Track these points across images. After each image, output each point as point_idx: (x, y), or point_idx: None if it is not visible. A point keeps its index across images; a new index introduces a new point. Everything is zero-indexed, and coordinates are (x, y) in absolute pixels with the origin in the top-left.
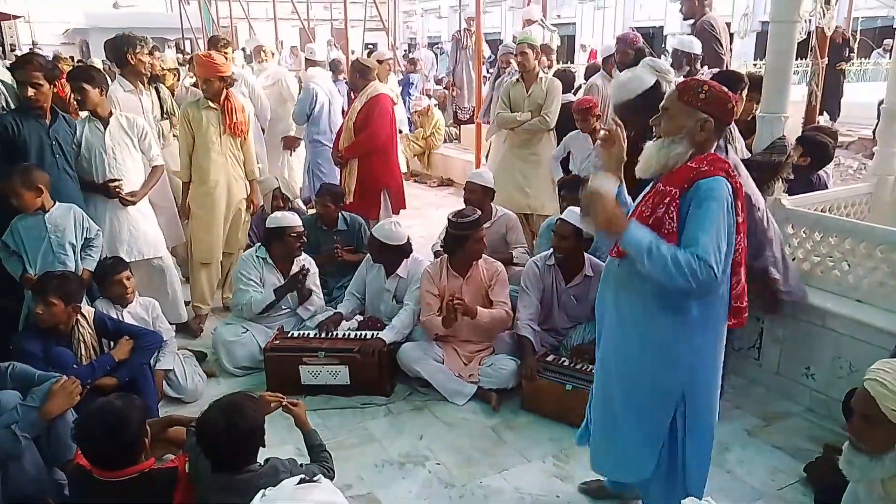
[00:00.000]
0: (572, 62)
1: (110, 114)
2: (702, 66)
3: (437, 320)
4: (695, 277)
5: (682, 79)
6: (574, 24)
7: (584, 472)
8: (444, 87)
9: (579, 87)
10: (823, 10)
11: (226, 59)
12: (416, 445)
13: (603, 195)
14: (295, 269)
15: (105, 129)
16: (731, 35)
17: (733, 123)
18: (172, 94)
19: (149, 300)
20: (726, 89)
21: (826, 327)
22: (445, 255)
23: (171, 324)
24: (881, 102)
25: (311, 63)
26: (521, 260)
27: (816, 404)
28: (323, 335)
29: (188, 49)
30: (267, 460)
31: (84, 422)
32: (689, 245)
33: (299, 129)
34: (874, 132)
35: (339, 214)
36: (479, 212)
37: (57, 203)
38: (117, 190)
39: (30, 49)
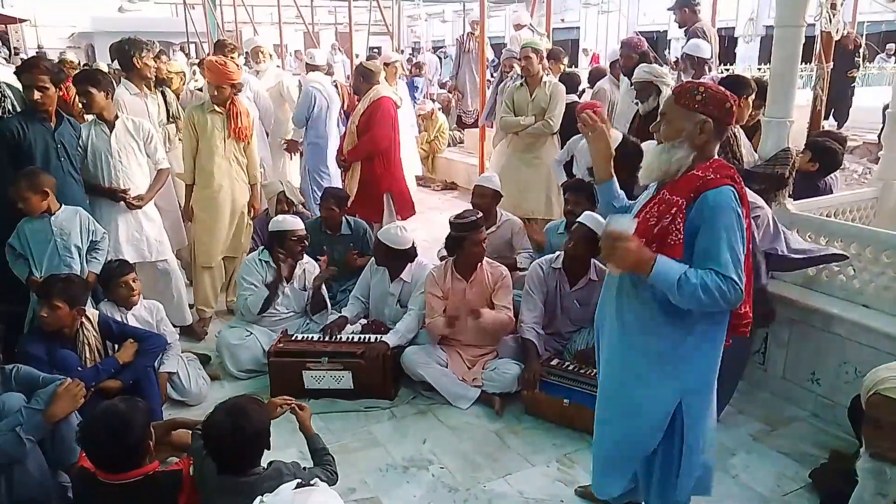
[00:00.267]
0: (576, 66)
1: (116, 117)
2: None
3: (440, 321)
4: (725, 298)
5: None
6: (578, 28)
7: (587, 476)
8: (448, 91)
9: (583, 90)
10: (829, 15)
11: (237, 66)
12: (419, 449)
13: (625, 237)
14: (298, 272)
15: (111, 132)
16: (736, 39)
17: (739, 129)
18: (177, 98)
19: (153, 303)
20: (724, 90)
21: (832, 332)
22: (450, 259)
23: (175, 327)
24: (886, 107)
25: (311, 67)
26: (526, 265)
27: (822, 410)
28: (327, 339)
29: (193, 53)
30: (271, 463)
31: (89, 424)
32: (710, 263)
33: (297, 132)
34: (879, 136)
35: (343, 218)
36: (480, 213)
37: (63, 206)
38: (123, 194)
39: (36, 53)
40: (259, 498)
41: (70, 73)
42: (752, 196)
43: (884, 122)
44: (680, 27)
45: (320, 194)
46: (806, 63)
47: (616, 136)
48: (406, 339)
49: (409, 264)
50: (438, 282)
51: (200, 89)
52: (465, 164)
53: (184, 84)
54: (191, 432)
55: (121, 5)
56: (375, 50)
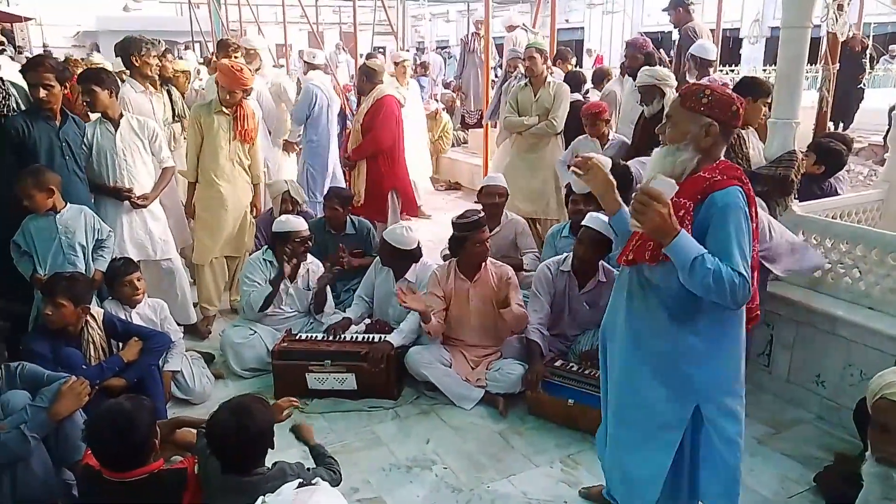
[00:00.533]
0: (580, 67)
1: (121, 116)
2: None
3: (434, 326)
4: (733, 292)
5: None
6: (582, 28)
7: (591, 477)
8: (453, 91)
9: (588, 90)
10: (836, 16)
11: (251, 72)
12: (423, 449)
13: (659, 197)
14: (302, 272)
15: (116, 131)
16: (741, 40)
17: (751, 130)
18: (183, 97)
19: (157, 301)
20: (730, 92)
21: (836, 334)
22: (454, 259)
23: (179, 325)
24: (892, 108)
25: (310, 67)
26: (532, 266)
27: (827, 412)
28: (331, 338)
29: (197, 52)
30: (275, 464)
31: (95, 422)
32: (722, 259)
33: (293, 132)
34: (885, 138)
35: (348, 218)
36: (482, 213)
37: (69, 205)
38: (127, 194)
39: (42, 51)
40: (261, 498)
41: (75, 71)
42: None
43: (890, 124)
44: (675, 27)
45: (313, 193)
46: (812, 64)
47: (606, 161)
48: (410, 339)
49: (414, 264)
50: (441, 282)
51: (203, 88)
52: (469, 165)
53: (189, 83)
54: (195, 431)
55: (126, 4)
56: (380, 49)
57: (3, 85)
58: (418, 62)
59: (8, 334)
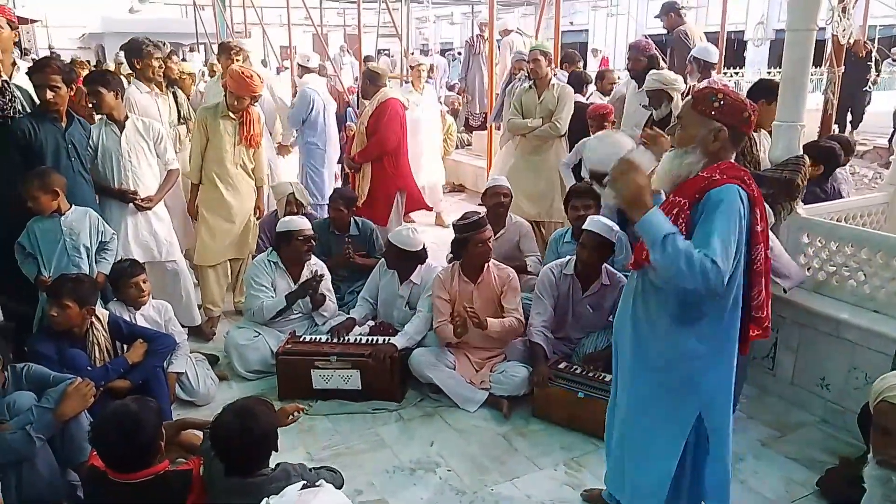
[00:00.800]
0: (585, 68)
1: (126, 118)
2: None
3: (449, 329)
4: (705, 278)
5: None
6: (586, 30)
7: (595, 480)
8: (458, 93)
9: (591, 93)
10: (840, 19)
11: (260, 80)
12: (427, 452)
13: (638, 168)
14: (306, 273)
15: (121, 132)
16: (745, 43)
17: (763, 133)
18: (188, 99)
19: (162, 303)
20: (743, 98)
21: (841, 337)
22: (457, 261)
23: (183, 327)
24: None
25: (305, 70)
26: (535, 269)
27: (831, 415)
28: (335, 340)
29: (203, 54)
30: (278, 465)
31: (101, 424)
32: (700, 247)
33: (286, 135)
34: (890, 141)
35: (352, 219)
36: (482, 214)
37: (73, 206)
38: (132, 196)
39: (49, 53)
40: (266, 500)
41: (80, 73)
42: None
43: (894, 127)
44: (668, 32)
45: (315, 195)
46: (817, 67)
47: (648, 162)
48: (414, 341)
49: (420, 266)
50: (445, 284)
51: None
52: (473, 167)
53: (194, 85)
54: (200, 433)
55: (131, 6)
56: (386, 52)
57: (9, 88)
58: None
59: (14, 335)
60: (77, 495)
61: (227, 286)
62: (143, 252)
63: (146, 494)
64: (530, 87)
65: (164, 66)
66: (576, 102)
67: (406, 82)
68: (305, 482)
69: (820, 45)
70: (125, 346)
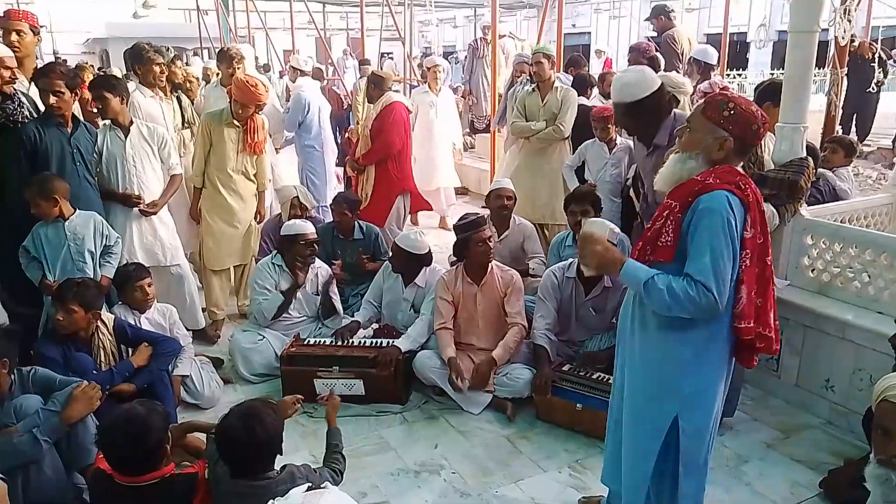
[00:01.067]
0: (589, 70)
1: (131, 122)
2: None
3: (448, 336)
4: (693, 304)
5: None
6: (589, 33)
7: (599, 484)
8: (462, 96)
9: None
10: (842, 20)
11: (266, 88)
12: (431, 454)
13: (595, 239)
14: (310, 275)
15: (126, 137)
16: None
17: (770, 133)
18: (192, 103)
19: (166, 306)
20: (755, 109)
21: (846, 339)
22: (461, 263)
23: (188, 330)
24: None
25: (299, 73)
26: (538, 271)
27: (836, 417)
28: (339, 343)
29: (206, 58)
30: (283, 467)
31: (108, 427)
32: (688, 267)
33: (276, 137)
34: (894, 142)
35: (356, 223)
36: (480, 214)
37: (77, 211)
38: (136, 200)
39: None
40: (270, 502)
41: (86, 78)
42: None
43: None
44: (658, 34)
45: (315, 198)
46: (820, 68)
47: (602, 229)
48: (418, 343)
49: (425, 269)
50: (449, 286)
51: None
52: (477, 170)
53: (199, 89)
54: (205, 436)
55: (135, 11)
56: (390, 55)
57: (17, 94)
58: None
59: (20, 339)
60: (83, 498)
61: (230, 289)
62: (148, 256)
63: (152, 497)
64: (533, 89)
65: (166, 70)
66: (579, 105)
67: (413, 86)
68: (311, 484)
69: (823, 45)
70: (130, 350)
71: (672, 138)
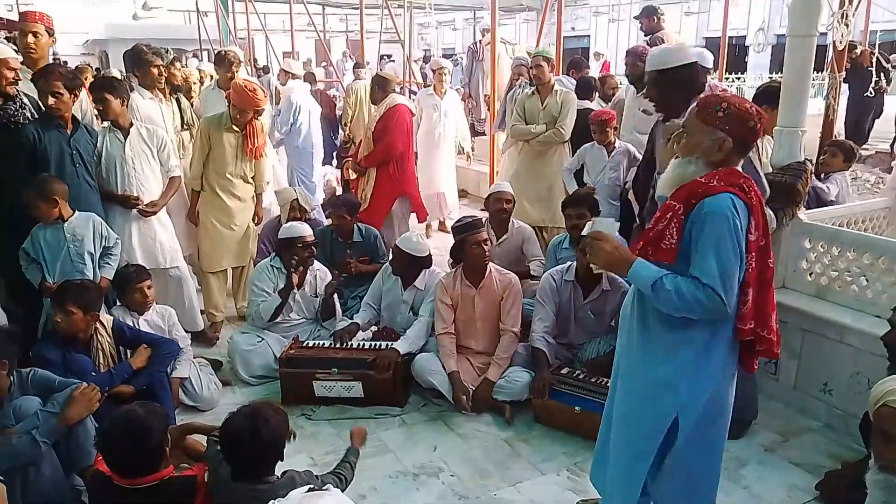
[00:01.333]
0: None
1: (131, 124)
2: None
3: (449, 343)
4: (700, 306)
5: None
6: (588, 36)
7: None
8: (461, 99)
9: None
10: (840, 24)
11: (264, 93)
12: (430, 457)
13: (604, 238)
14: (309, 278)
15: (125, 139)
16: (747, 48)
17: (768, 136)
18: (192, 105)
19: (165, 308)
20: (749, 106)
21: (844, 342)
22: (459, 266)
23: (186, 332)
24: None
25: (289, 76)
26: (538, 273)
27: (834, 420)
28: (338, 345)
29: (205, 60)
30: (284, 472)
31: (108, 429)
32: (695, 271)
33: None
34: (892, 146)
35: (355, 226)
36: (476, 216)
37: (76, 212)
38: (135, 201)
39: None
40: (271, 502)
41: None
42: None
43: None
44: (645, 35)
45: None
46: (818, 72)
47: (610, 227)
48: (417, 346)
49: (424, 271)
50: (448, 289)
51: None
52: (476, 172)
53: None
54: (205, 439)
55: (135, 12)
56: (392, 58)
57: (19, 95)
58: (423, 69)
59: (20, 340)
60: (82, 500)
61: (227, 290)
62: (147, 258)
63: (151, 499)
64: (533, 93)
65: (165, 72)
66: (578, 108)
67: (413, 91)
68: (312, 486)
69: (821, 49)
70: (129, 352)
71: None
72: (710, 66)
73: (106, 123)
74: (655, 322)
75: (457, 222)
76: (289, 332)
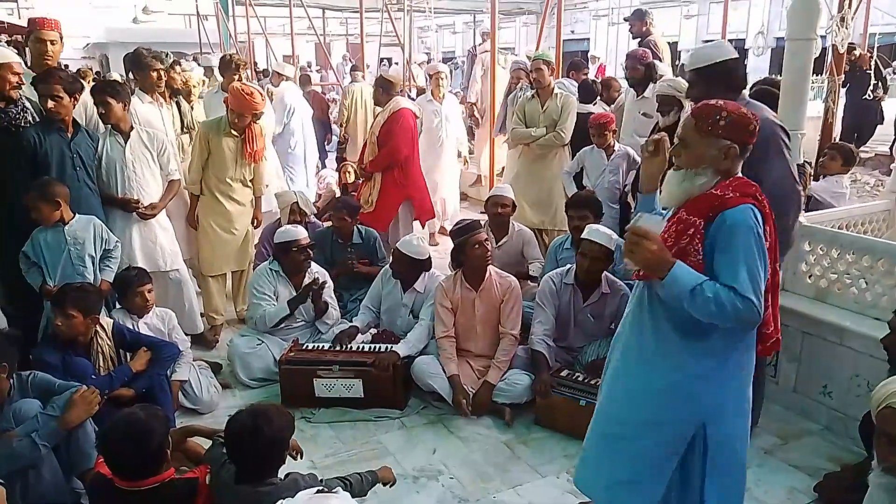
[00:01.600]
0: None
1: (131, 128)
2: None
3: (450, 346)
4: (739, 316)
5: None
6: (588, 39)
7: None
8: (461, 102)
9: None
10: (839, 28)
11: (262, 97)
12: (429, 459)
13: (648, 233)
14: (307, 281)
15: (126, 143)
16: (746, 51)
17: None
18: (192, 109)
19: (165, 311)
20: (746, 111)
21: (843, 345)
22: (459, 269)
23: (186, 335)
24: None
25: (281, 78)
26: (537, 274)
27: (834, 423)
28: (338, 348)
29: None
30: (288, 475)
31: (110, 432)
32: (727, 281)
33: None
34: (892, 148)
35: (355, 228)
36: (475, 219)
37: (77, 216)
38: (135, 205)
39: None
40: (280, 502)
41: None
42: None
43: None
44: (634, 37)
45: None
46: (818, 75)
47: (656, 225)
48: (416, 349)
49: (424, 274)
50: (448, 293)
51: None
52: (475, 175)
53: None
54: (204, 442)
55: (135, 16)
56: (387, 61)
57: (21, 99)
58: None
59: (20, 343)
60: (81, 503)
61: (227, 293)
62: (148, 261)
63: (152, 501)
64: (533, 96)
65: (164, 76)
66: (579, 112)
67: (412, 97)
68: (321, 487)
69: (820, 52)
70: (129, 355)
71: None
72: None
73: (106, 127)
74: (671, 331)
75: (455, 226)
76: (288, 335)
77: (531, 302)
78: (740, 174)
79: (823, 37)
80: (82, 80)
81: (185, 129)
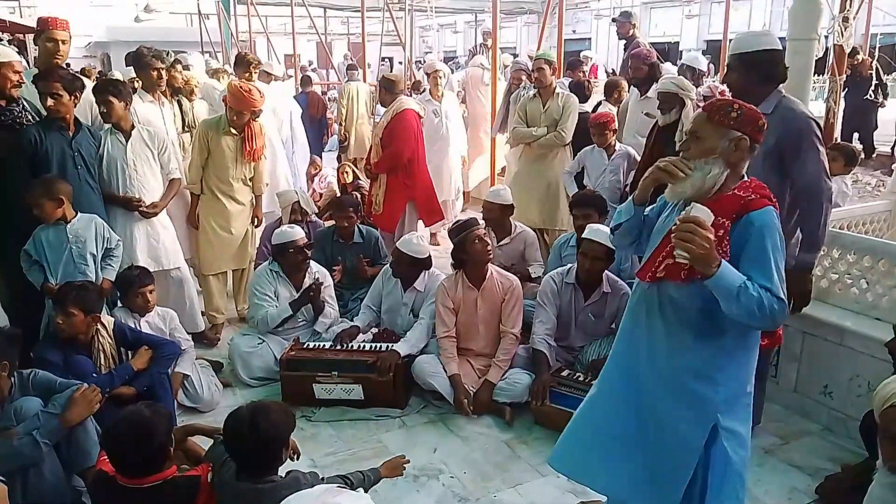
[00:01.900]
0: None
1: (132, 127)
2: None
3: (451, 346)
4: (773, 318)
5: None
6: (589, 39)
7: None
8: (461, 102)
9: (598, 103)
10: (841, 28)
11: (260, 94)
12: (430, 458)
13: (704, 224)
14: (307, 280)
15: (127, 141)
16: None
17: None
18: (193, 107)
19: (166, 310)
20: (756, 108)
21: (844, 345)
22: (461, 269)
23: (187, 333)
24: None
25: (273, 77)
26: (537, 275)
27: (834, 423)
28: (338, 347)
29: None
30: (289, 472)
31: (113, 429)
32: (762, 282)
33: None
34: (893, 149)
35: (356, 227)
36: (473, 216)
37: (79, 214)
38: (137, 203)
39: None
40: (287, 499)
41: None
42: None
43: None
44: (620, 38)
45: None
46: (819, 75)
47: (706, 216)
48: (417, 348)
49: (424, 273)
50: (450, 292)
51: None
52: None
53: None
54: (204, 440)
55: (137, 15)
56: (388, 60)
57: (21, 98)
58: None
59: (21, 341)
60: (82, 501)
61: (228, 292)
62: (149, 260)
63: (154, 499)
64: (535, 95)
65: (165, 75)
66: (579, 112)
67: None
68: (340, 484)
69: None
70: (130, 353)
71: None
72: (704, 68)
73: (107, 126)
74: (687, 334)
75: (452, 225)
76: (289, 334)
77: (532, 301)
78: (772, 172)
79: (826, 37)
80: (83, 79)
81: (186, 128)
